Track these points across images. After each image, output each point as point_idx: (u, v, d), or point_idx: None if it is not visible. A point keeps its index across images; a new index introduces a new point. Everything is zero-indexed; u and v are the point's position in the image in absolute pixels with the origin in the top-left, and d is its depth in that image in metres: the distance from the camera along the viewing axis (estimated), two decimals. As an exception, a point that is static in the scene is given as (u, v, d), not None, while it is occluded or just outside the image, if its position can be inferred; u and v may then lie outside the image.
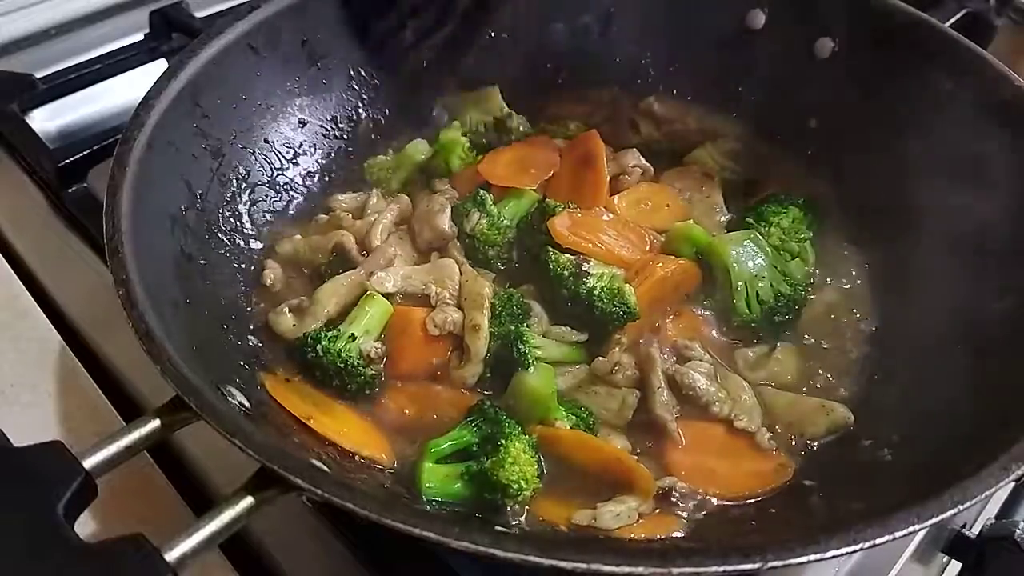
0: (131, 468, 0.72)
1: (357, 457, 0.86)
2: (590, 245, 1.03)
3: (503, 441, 0.83)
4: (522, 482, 0.81)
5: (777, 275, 1.03)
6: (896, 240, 1.09)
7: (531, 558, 0.59)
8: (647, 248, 1.07)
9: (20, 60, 1.47)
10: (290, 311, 1.00)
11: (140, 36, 1.49)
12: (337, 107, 1.26)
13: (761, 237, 1.05)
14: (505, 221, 1.09)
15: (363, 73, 1.28)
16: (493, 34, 1.34)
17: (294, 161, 1.20)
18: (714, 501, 0.87)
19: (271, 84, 1.16)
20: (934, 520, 0.64)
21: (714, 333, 1.03)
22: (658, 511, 0.85)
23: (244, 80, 1.11)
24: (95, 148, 1.21)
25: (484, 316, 0.96)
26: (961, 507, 0.65)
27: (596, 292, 0.96)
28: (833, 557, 0.62)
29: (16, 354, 1.00)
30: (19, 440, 0.65)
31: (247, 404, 0.81)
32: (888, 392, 0.96)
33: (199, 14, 1.48)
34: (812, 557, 0.61)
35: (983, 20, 1.55)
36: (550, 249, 1.01)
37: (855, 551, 0.62)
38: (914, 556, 0.94)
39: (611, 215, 1.09)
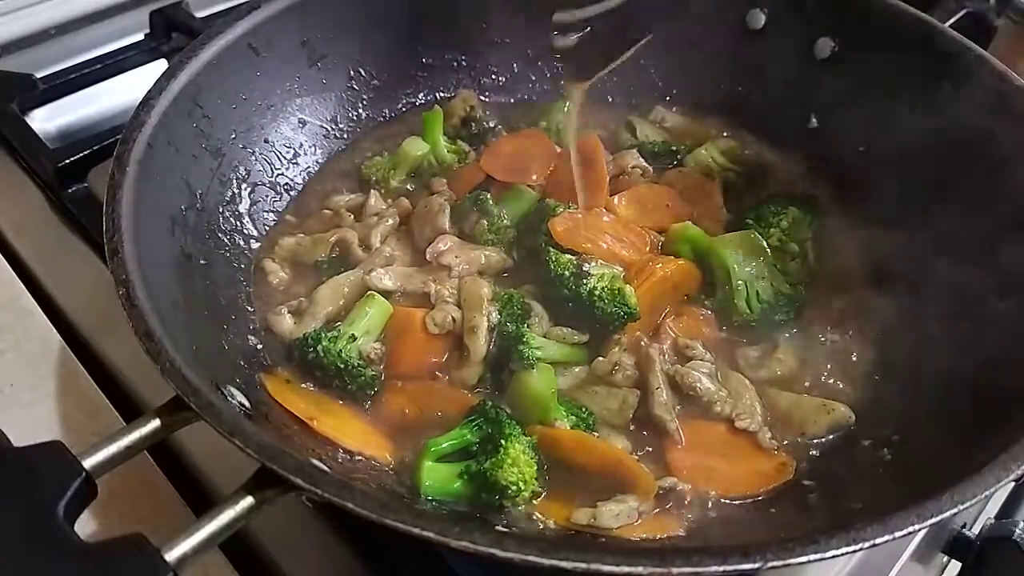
0: (131, 468, 0.72)
1: (357, 457, 0.87)
2: (590, 245, 1.03)
3: (503, 442, 0.83)
4: (521, 483, 0.81)
5: (777, 275, 1.03)
6: (896, 239, 1.08)
7: (531, 558, 0.59)
8: (647, 248, 1.07)
9: (20, 60, 1.47)
10: (289, 312, 1.00)
11: (140, 36, 1.49)
12: (337, 107, 1.26)
13: (761, 237, 1.05)
14: (505, 221, 1.09)
15: (363, 73, 1.28)
16: (494, 37, 1.35)
17: (294, 161, 1.20)
18: (715, 500, 0.87)
19: (271, 84, 1.16)
20: (934, 520, 0.64)
21: (715, 333, 1.02)
22: (658, 511, 0.85)
23: (244, 80, 1.11)
24: (95, 148, 1.21)
25: (483, 317, 0.96)
26: (961, 507, 0.65)
27: (596, 292, 0.96)
28: (833, 557, 0.62)
29: (16, 354, 1.00)
30: (19, 440, 0.65)
31: (247, 404, 0.81)
32: (888, 392, 0.96)
33: (199, 14, 1.48)
34: (812, 557, 0.61)
35: (983, 20, 1.55)
36: (550, 249, 1.01)
37: (855, 551, 0.62)
38: (914, 556, 0.94)
39: (611, 215, 1.09)
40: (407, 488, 0.84)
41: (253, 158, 1.14)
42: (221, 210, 1.06)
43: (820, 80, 1.21)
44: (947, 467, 0.72)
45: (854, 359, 1.01)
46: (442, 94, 1.35)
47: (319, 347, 0.92)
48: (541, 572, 0.60)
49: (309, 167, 1.22)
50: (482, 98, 1.34)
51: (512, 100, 1.37)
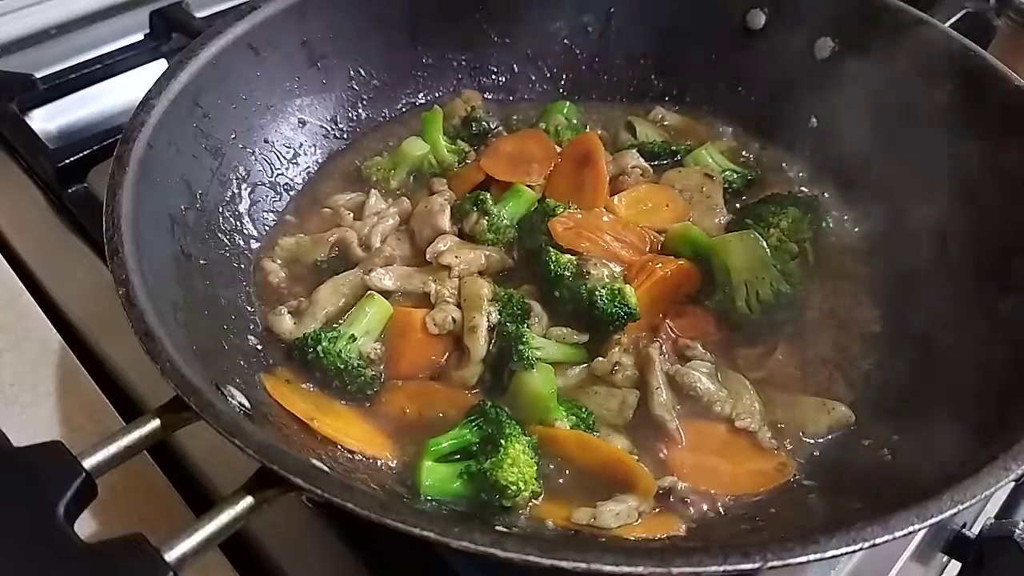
0: (131, 468, 0.72)
1: (357, 457, 0.87)
2: (590, 245, 1.03)
3: (503, 442, 0.83)
4: (520, 483, 0.81)
5: (777, 275, 1.03)
6: (897, 239, 1.09)
7: (531, 558, 0.59)
8: (647, 248, 1.07)
9: (20, 60, 1.47)
10: (289, 312, 1.00)
11: (140, 36, 1.49)
12: (337, 107, 1.26)
13: (761, 237, 1.05)
14: (505, 221, 1.09)
15: (363, 73, 1.28)
16: (494, 37, 1.35)
17: (294, 161, 1.20)
18: (715, 500, 0.87)
19: (271, 84, 1.16)
20: (934, 520, 0.64)
21: (715, 333, 1.02)
22: (658, 510, 0.85)
23: (244, 80, 1.11)
24: (95, 148, 1.21)
25: (483, 317, 0.96)
26: (961, 507, 0.65)
27: (596, 292, 0.96)
28: (833, 557, 0.62)
29: (16, 354, 1.00)
30: (19, 440, 0.65)
31: (247, 404, 0.81)
32: (888, 392, 0.96)
33: (199, 14, 1.49)
34: (812, 557, 0.61)
35: (983, 20, 1.55)
36: (550, 249, 1.01)
37: (855, 551, 0.62)
38: (914, 556, 0.94)
39: (611, 215, 1.09)
40: (407, 488, 0.84)
41: (253, 158, 1.14)
42: (221, 210, 1.06)
43: (820, 80, 1.21)
44: (947, 467, 0.72)
45: (854, 359, 1.01)
46: (442, 94, 1.35)
47: (319, 347, 0.92)
48: (541, 572, 0.60)
49: (309, 167, 1.22)
50: (483, 98, 1.34)
51: (512, 100, 1.37)
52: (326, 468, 0.75)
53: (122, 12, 1.57)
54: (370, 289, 1.01)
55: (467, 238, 1.09)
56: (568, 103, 1.32)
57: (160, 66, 1.38)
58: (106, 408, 0.94)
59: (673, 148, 1.26)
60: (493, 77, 1.37)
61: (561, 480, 0.87)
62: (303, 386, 0.93)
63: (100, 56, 1.45)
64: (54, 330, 1.03)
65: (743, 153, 1.28)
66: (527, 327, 0.96)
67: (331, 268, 1.07)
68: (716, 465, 0.90)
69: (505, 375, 0.94)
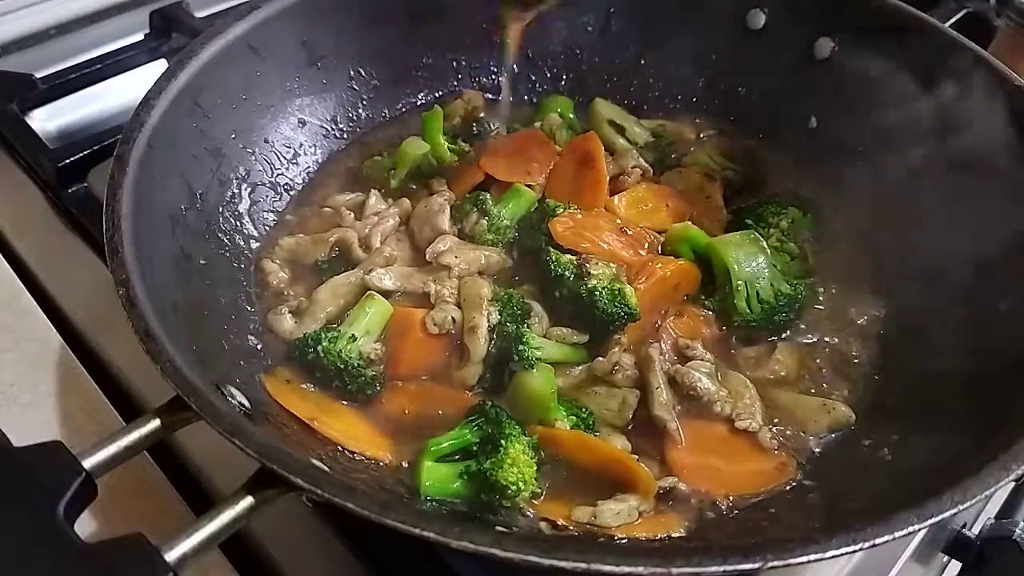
0: (131, 468, 0.72)
1: (358, 457, 0.87)
2: (590, 245, 1.03)
3: (503, 442, 0.83)
4: (520, 484, 0.81)
5: (777, 275, 1.03)
6: (897, 240, 1.09)
7: (531, 558, 0.59)
8: (647, 248, 1.07)
9: (20, 60, 1.47)
10: (289, 312, 1.00)
11: (140, 36, 1.49)
12: (337, 107, 1.26)
13: (761, 237, 1.05)
14: (505, 221, 1.09)
15: (363, 73, 1.28)
16: (495, 37, 1.35)
17: (294, 161, 1.20)
18: (715, 500, 0.87)
19: (271, 84, 1.16)
20: (934, 520, 0.64)
21: (715, 333, 1.02)
22: (659, 510, 0.85)
23: (244, 80, 1.11)
24: (95, 148, 1.21)
25: (483, 317, 0.96)
26: (961, 507, 0.65)
27: (597, 293, 0.96)
28: (833, 557, 0.62)
29: (16, 354, 1.00)
30: (19, 440, 0.66)
31: (247, 404, 0.81)
32: (888, 392, 0.96)
33: (199, 14, 1.48)
34: (812, 557, 0.61)
35: (983, 20, 1.55)
36: (551, 249, 1.01)
37: (855, 551, 0.62)
38: (914, 556, 0.94)
39: (611, 215, 1.09)
40: (407, 488, 0.84)
41: (253, 158, 1.14)
42: (221, 210, 1.06)
43: (820, 80, 1.22)
44: (947, 467, 0.72)
45: (854, 359, 1.01)
46: (442, 94, 1.35)
47: (319, 347, 0.92)
48: (541, 572, 0.60)
49: (309, 167, 1.22)
50: (484, 97, 1.34)
51: (512, 100, 1.37)
52: (326, 468, 0.75)
53: (122, 12, 1.57)
54: (370, 289, 1.01)
55: (467, 238, 1.09)
56: (566, 101, 1.32)
57: (160, 66, 1.38)
58: (106, 408, 0.94)
59: (672, 148, 1.26)
60: (493, 77, 1.37)
61: (561, 480, 0.87)
62: (303, 386, 0.93)
63: (100, 56, 1.45)
64: (54, 330, 1.03)
65: (742, 153, 1.28)
66: (527, 327, 0.96)
67: (331, 268, 1.07)
68: (716, 465, 0.90)
69: (505, 375, 0.94)
